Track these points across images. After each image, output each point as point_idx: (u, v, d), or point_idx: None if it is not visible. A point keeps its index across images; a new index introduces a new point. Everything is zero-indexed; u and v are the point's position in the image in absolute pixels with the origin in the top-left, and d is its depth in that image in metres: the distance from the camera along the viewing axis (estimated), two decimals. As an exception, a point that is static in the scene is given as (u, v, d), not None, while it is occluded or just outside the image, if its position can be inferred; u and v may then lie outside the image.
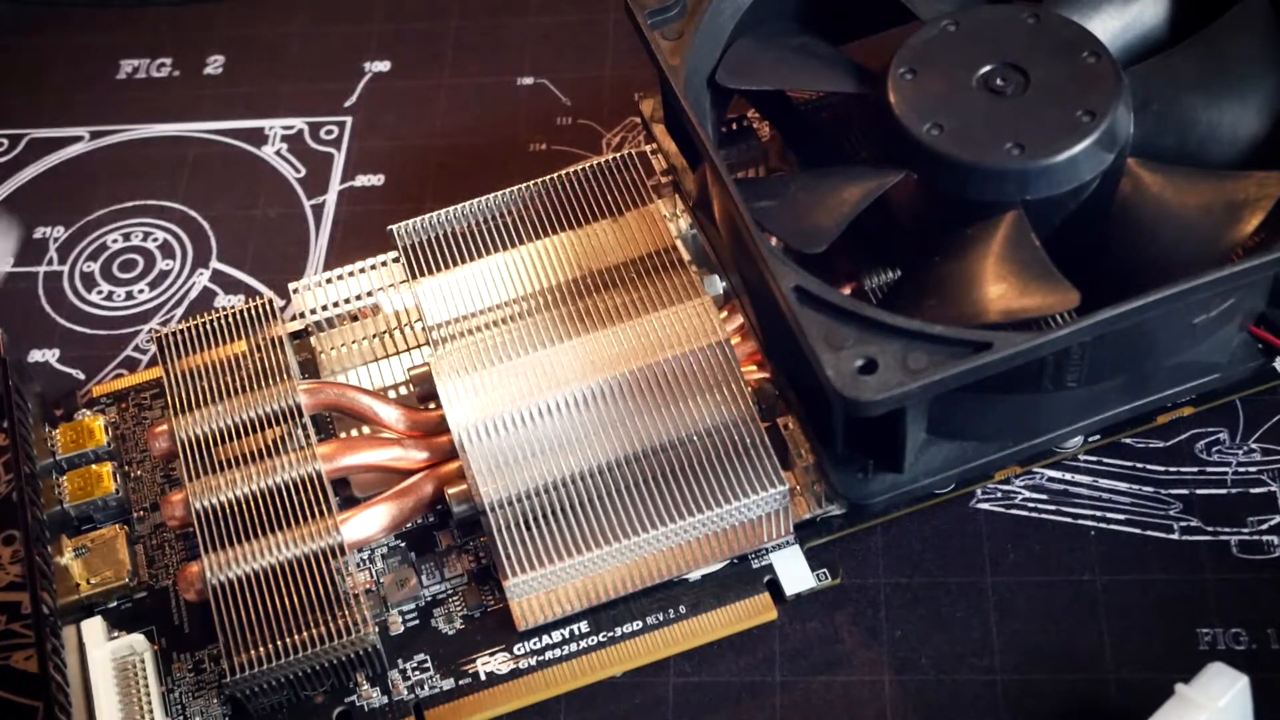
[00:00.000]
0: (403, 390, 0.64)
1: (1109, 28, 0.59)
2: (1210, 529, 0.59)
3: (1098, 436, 0.61)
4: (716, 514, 0.56)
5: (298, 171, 0.75)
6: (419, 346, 0.64)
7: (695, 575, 0.59)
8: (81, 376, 0.68)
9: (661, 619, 0.58)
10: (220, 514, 0.57)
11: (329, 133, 0.77)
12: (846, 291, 0.58)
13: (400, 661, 0.57)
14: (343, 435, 0.62)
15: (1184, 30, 0.60)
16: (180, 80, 0.80)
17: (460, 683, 0.57)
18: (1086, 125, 0.55)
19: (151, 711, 0.56)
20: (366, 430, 0.62)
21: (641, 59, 0.60)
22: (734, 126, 0.65)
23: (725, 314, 0.60)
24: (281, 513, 0.57)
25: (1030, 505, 0.60)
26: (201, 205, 0.75)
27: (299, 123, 0.77)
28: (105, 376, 0.68)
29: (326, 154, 0.76)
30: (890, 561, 0.59)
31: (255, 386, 0.60)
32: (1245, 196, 0.55)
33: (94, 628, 0.58)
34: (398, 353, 0.64)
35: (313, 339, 0.64)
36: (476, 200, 0.65)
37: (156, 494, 0.62)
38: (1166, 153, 0.57)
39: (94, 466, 0.61)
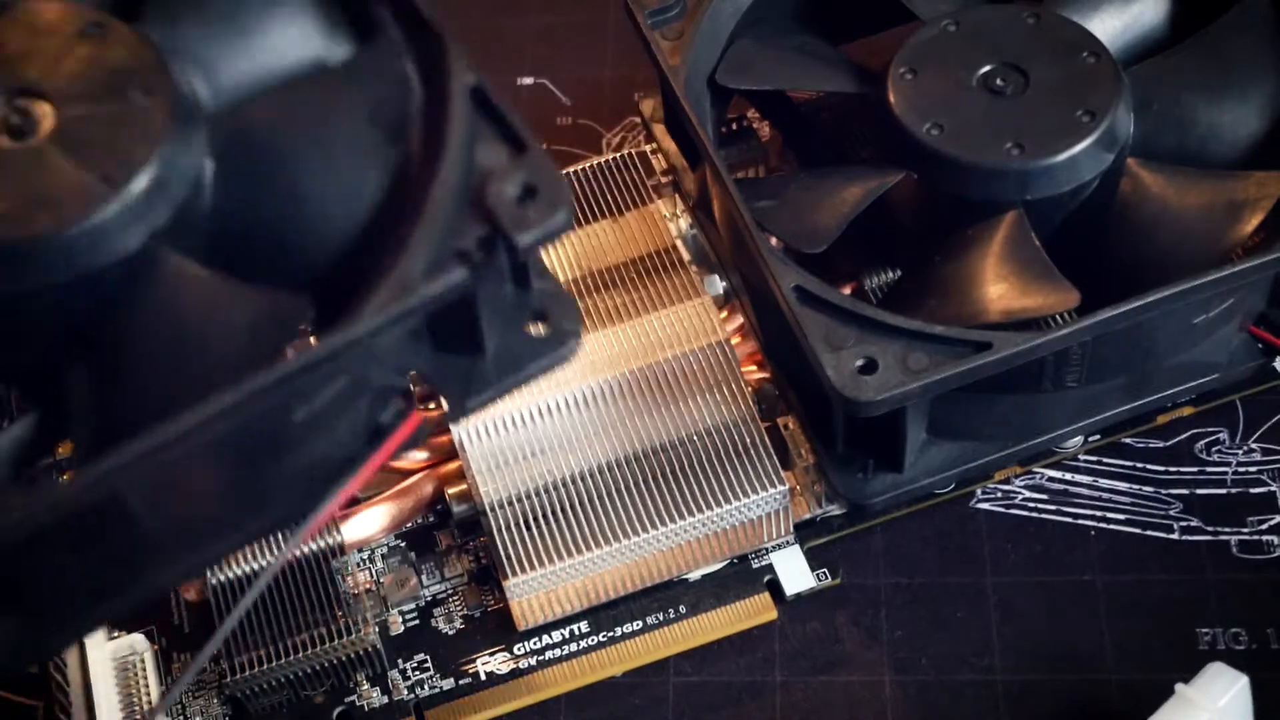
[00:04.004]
0: (403, 390, 0.64)
1: (1109, 28, 0.59)
2: (1210, 529, 0.59)
3: (1098, 436, 0.61)
4: (716, 514, 0.56)
5: (298, 171, 0.75)
6: (419, 346, 0.64)
7: (695, 575, 0.59)
8: (81, 376, 0.68)
9: (661, 619, 0.58)
10: (220, 514, 0.57)
11: (329, 133, 0.77)
12: (846, 291, 0.58)
13: (400, 661, 0.57)
14: (343, 435, 0.62)
15: (1184, 30, 0.60)
16: (180, 80, 0.80)
17: (460, 683, 0.57)
18: (1086, 125, 0.55)
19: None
20: (366, 430, 0.62)
21: (641, 59, 0.60)
22: (734, 126, 0.65)
23: (725, 314, 0.60)
24: (281, 513, 0.57)
25: (1030, 505, 0.60)
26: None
27: (299, 123, 0.77)
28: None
29: (326, 154, 0.76)
30: (890, 561, 0.59)
31: (255, 386, 0.60)
32: (1245, 196, 0.55)
33: (94, 628, 0.58)
34: (398, 353, 0.64)
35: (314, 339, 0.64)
36: (476, 200, 0.64)
37: (156, 494, 0.62)
38: (1166, 153, 0.57)
39: (94, 466, 0.61)
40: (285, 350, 0.41)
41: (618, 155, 0.65)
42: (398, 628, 0.58)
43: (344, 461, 0.43)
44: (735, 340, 0.60)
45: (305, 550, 0.56)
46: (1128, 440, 0.61)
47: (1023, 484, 0.61)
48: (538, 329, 0.44)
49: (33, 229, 0.41)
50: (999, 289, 0.53)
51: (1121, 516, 0.60)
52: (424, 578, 0.59)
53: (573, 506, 0.56)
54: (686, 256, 0.62)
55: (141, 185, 0.42)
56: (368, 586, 0.58)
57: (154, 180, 0.42)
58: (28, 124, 0.43)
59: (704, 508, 0.55)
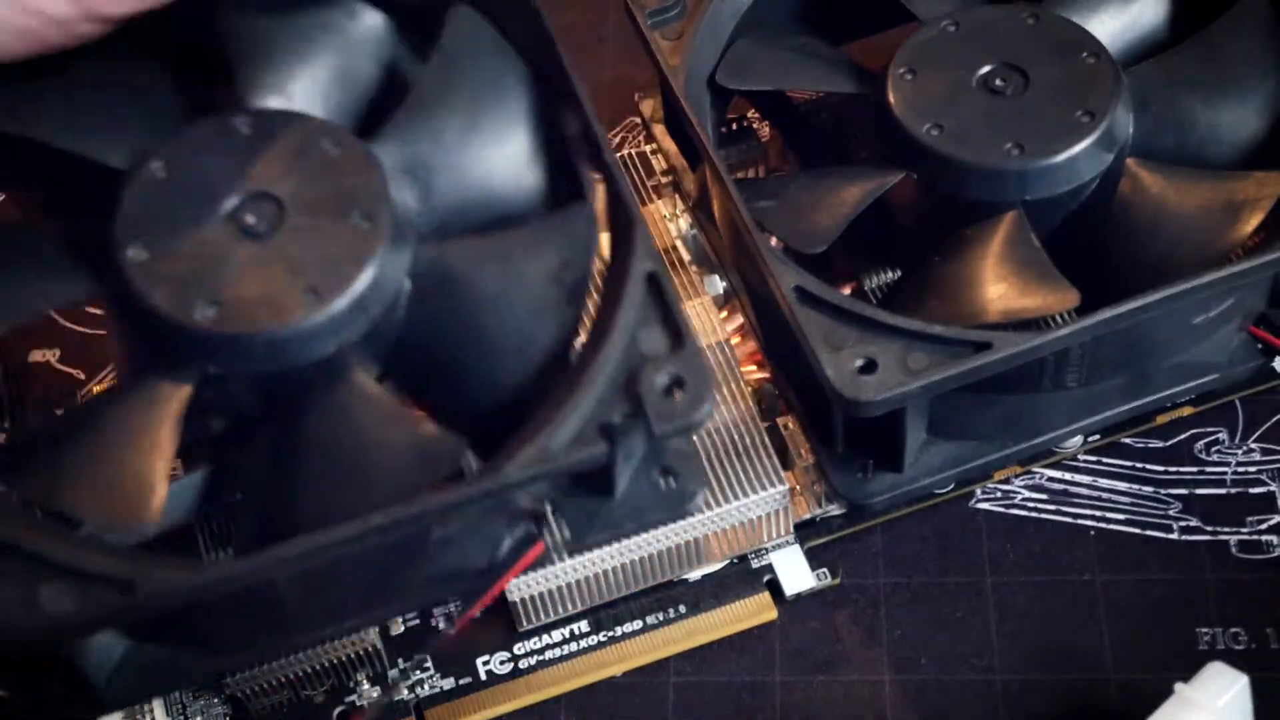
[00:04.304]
0: (403, 390, 0.64)
1: (1109, 28, 0.60)
2: (1210, 529, 0.59)
3: (1098, 436, 0.61)
4: (716, 514, 0.56)
5: (298, 171, 0.75)
6: (419, 346, 0.64)
7: (695, 575, 0.59)
8: (82, 376, 0.68)
9: (661, 619, 0.58)
10: (220, 514, 0.58)
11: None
12: (846, 291, 0.58)
13: (400, 661, 0.57)
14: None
15: (1184, 30, 0.60)
16: (180, 80, 0.80)
17: (460, 683, 0.57)
18: (1086, 125, 0.55)
19: (152, 711, 0.56)
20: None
21: (641, 59, 0.60)
22: (734, 126, 0.65)
23: (725, 314, 0.60)
24: (282, 513, 0.57)
25: (1030, 505, 0.60)
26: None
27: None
28: (105, 376, 0.68)
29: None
30: (890, 561, 0.59)
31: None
32: (1245, 196, 0.55)
33: (94, 628, 0.58)
34: (398, 353, 0.64)
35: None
36: (477, 200, 0.65)
37: (156, 494, 0.62)
38: (1166, 153, 0.57)
39: (94, 466, 0.61)
40: (439, 480, 0.46)
41: (618, 155, 0.65)
42: (398, 628, 0.58)
43: (471, 572, 0.48)
44: (735, 340, 0.60)
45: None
46: (1127, 440, 0.61)
47: (1023, 484, 0.61)
48: (666, 483, 0.48)
49: (242, 325, 0.46)
50: (999, 289, 0.53)
51: (1121, 516, 0.60)
52: (424, 578, 0.59)
53: (573, 506, 0.56)
54: (686, 256, 0.62)
55: (345, 302, 0.46)
56: (368, 586, 0.58)
57: (357, 298, 0.46)
58: (259, 227, 0.48)
59: (704, 508, 0.55)
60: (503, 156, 0.52)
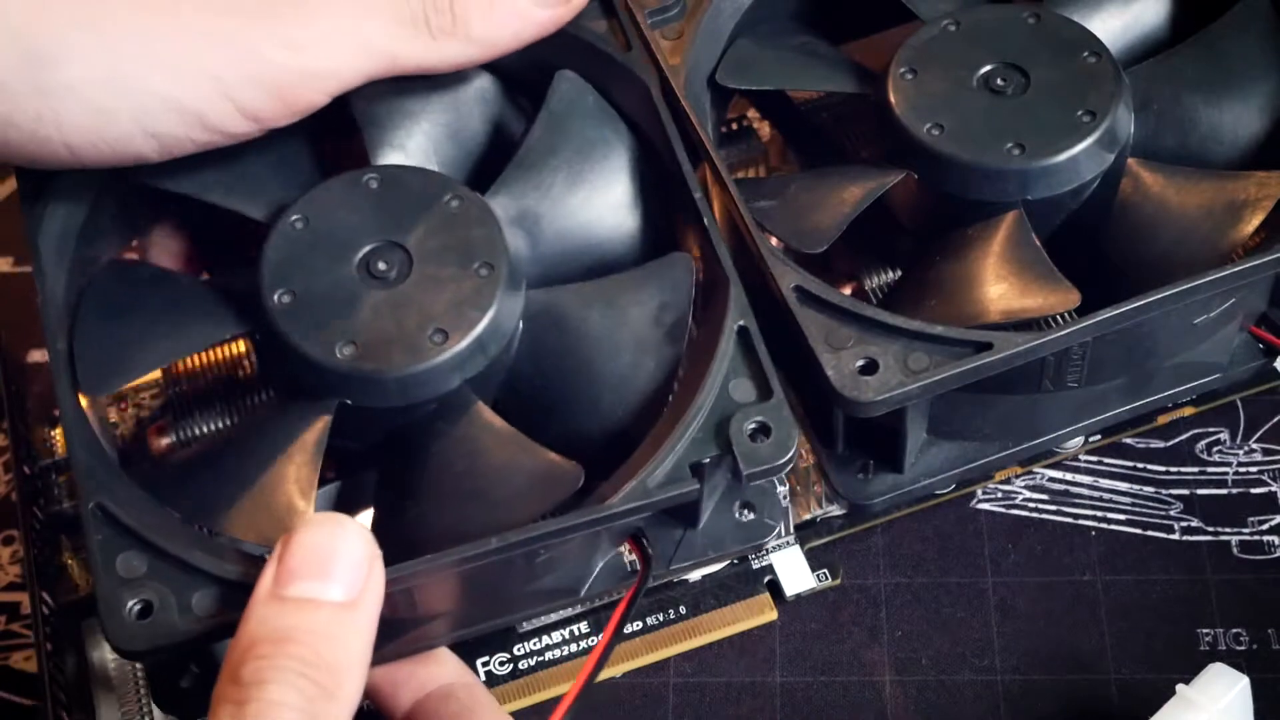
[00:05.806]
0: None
1: (1109, 28, 0.59)
2: (1211, 529, 0.59)
3: (1098, 436, 0.61)
4: (717, 514, 0.56)
5: (298, 171, 0.75)
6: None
7: (695, 575, 0.59)
8: (81, 376, 0.68)
9: (661, 619, 0.58)
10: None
11: (329, 132, 0.76)
12: (846, 291, 0.58)
13: (400, 662, 0.57)
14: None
15: (1184, 30, 0.60)
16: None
17: (460, 683, 0.57)
18: (1087, 125, 0.55)
19: (151, 712, 0.56)
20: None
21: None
22: (734, 126, 0.65)
23: (726, 314, 0.60)
24: (282, 513, 0.58)
25: (1030, 505, 0.60)
26: (201, 205, 0.74)
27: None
28: (105, 376, 0.68)
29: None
30: (890, 561, 0.59)
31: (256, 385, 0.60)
32: (1246, 196, 0.55)
33: (94, 628, 0.58)
34: (398, 353, 0.65)
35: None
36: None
37: (156, 494, 0.62)
38: (1167, 153, 0.57)
39: (94, 466, 0.61)
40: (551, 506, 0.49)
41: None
42: (397, 628, 0.58)
43: (564, 589, 0.53)
44: (735, 340, 0.60)
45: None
46: (1128, 440, 0.61)
47: (1023, 484, 0.61)
48: (745, 515, 0.52)
49: (379, 363, 0.50)
50: (999, 289, 0.53)
51: (1122, 516, 0.59)
52: (424, 578, 0.59)
53: (573, 507, 0.56)
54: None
55: (467, 343, 0.50)
56: (368, 586, 0.58)
57: (478, 340, 0.51)
58: (390, 274, 0.52)
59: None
60: (604, 209, 0.56)
